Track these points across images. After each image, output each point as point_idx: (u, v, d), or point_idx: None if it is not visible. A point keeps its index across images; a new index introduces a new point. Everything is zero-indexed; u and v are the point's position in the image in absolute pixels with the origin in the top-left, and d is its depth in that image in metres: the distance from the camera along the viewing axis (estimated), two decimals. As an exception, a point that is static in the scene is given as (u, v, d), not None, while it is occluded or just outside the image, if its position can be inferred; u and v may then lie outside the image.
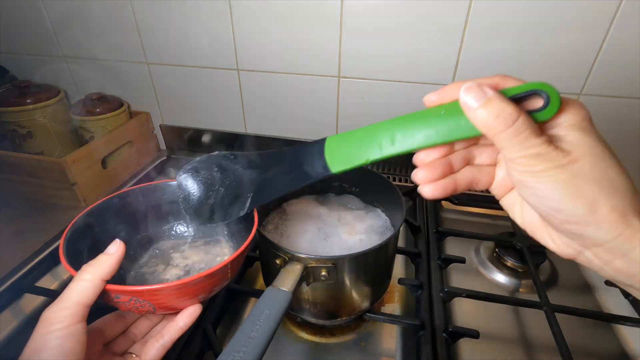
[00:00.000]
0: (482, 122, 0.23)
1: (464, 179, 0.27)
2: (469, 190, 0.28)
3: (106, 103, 0.83)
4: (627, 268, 0.23)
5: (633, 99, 0.66)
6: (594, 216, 0.22)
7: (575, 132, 0.23)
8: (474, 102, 0.23)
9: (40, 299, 0.56)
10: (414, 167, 0.27)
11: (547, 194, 0.23)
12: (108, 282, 0.30)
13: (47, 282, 0.59)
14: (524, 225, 0.27)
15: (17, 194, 0.76)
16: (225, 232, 0.46)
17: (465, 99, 0.24)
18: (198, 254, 0.44)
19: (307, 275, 0.41)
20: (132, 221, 0.43)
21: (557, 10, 0.61)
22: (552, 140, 0.23)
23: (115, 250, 0.32)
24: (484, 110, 0.23)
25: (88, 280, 0.29)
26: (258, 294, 0.53)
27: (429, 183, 0.27)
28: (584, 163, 0.22)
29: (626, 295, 0.56)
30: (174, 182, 0.42)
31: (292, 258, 0.41)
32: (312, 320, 0.52)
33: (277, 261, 0.42)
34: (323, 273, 0.41)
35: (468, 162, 0.28)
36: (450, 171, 0.27)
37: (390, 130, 0.27)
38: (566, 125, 0.23)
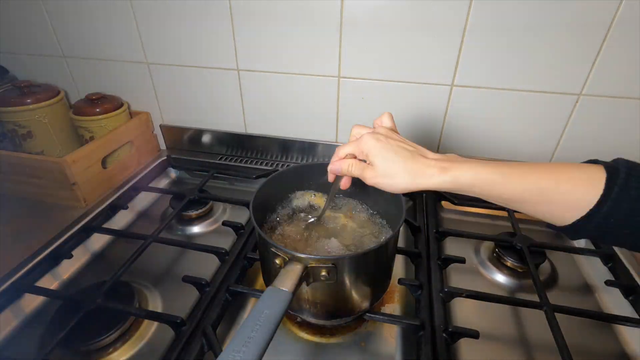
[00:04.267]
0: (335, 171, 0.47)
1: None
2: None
3: (106, 103, 0.83)
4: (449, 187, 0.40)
5: (633, 99, 0.66)
6: (399, 180, 0.41)
7: (369, 155, 0.43)
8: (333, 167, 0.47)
9: (40, 299, 0.56)
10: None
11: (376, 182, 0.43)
12: None
13: (47, 282, 0.59)
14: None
15: (17, 194, 0.76)
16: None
17: (333, 168, 0.47)
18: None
19: (307, 275, 0.41)
20: None
21: (557, 11, 0.61)
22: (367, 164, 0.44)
23: None
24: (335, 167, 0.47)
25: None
26: (258, 294, 0.53)
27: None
28: (375, 164, 0.42)
29: (626, 295, 0.56)
30: None
31: (292, 258, 0.41)
32: (312, 320, 0.52)
33: (277, 261, 0.42)
34: (323, 273, 0.41)
35: None
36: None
37: None
38: (365, 156, 0.44)
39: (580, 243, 0.69)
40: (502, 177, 0.37)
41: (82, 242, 0.65)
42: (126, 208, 0.73)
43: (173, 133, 0.93)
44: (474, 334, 0.47)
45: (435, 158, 0.42)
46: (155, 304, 0.56)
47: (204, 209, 0.73)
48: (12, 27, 0.86)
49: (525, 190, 0.37)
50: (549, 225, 0.40)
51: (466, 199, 0.73)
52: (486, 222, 0.74)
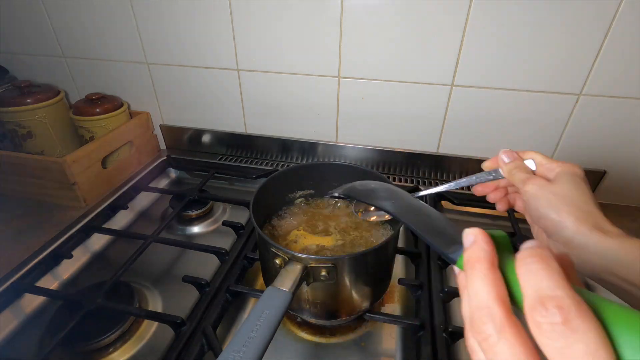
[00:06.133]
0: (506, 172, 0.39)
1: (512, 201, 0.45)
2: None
3: (106, 103, 0.83)
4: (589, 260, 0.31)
5: (633, 99, 0.66)
6: (560, 220, 0.33)
7: (561, 174, 0.35)
8: (507, 159, 0.39)
9: (40, 299, 0.56)
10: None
11: (534, 206, 0.36)
12: None
13: (47, 282, 0.59)
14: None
15: (17, 194, 0.76)
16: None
17: (502, 156, 0.40)
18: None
19: (307, 275, 0.41)
20: None
21: (557, 10, 0.61)
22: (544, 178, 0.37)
23: None
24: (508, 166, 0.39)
25: None
26: (258, 294, 0.53)
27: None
28: (559, 184, 0.34)
29: (626, 295, 0.56)
30: None
31: (292, 258, 0.41)
32: (312, 320, 0.52)
33: (277, 261, 0.42)
34: (323, 273, 0.41)
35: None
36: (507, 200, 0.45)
37: None
38: (558, 171, 0.36)
39: (580, 243, 0.69)
40: None
41: (82, 242, 0.65)
42: (126, 208, 0.73)
43: (173, 133, 0.93)
44: (474, 334, 0.47)
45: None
46: (155, 304, 0.56)
47: (204, 209, 0.73)
48: (12, 27, 0.86)
49: None
50: None
51: (465, 198, 0.74)
52: (486, 222, 0.74)
